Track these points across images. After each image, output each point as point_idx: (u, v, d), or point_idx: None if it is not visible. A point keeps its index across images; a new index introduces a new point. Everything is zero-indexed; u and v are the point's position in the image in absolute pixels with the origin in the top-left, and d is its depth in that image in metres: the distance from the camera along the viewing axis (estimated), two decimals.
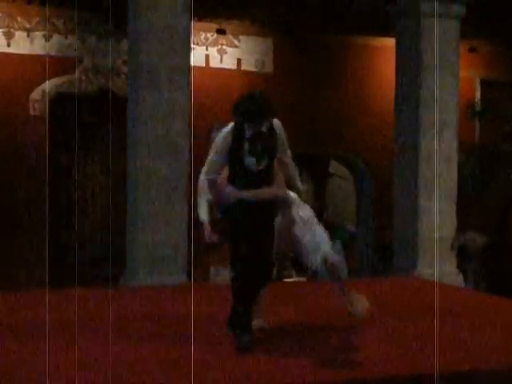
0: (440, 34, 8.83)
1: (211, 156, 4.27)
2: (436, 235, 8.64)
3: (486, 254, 9.71)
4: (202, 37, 10.45)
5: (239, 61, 10.66)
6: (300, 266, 7.51)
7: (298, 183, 4.63)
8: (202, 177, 4.30)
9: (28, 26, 9.56)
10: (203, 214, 4.24)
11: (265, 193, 4.18)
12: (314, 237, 4.40)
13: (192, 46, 8.85)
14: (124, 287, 7.45)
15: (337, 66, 11.16)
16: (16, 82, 9.52)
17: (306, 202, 4.71)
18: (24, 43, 9.55)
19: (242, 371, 3.73)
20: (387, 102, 10.48)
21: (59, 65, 9.74)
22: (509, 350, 4.35)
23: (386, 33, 10.77)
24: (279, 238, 4.37)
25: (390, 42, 10.21)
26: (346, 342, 4.56)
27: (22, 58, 9.55)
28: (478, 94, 11.68)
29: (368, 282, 8.18)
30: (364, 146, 11.14)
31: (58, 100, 9.77)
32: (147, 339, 4.50)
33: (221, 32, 10.28)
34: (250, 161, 4.13)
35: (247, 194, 4.14)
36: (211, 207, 4.27)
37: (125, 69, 9.48)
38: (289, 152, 4.46)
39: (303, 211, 4.49)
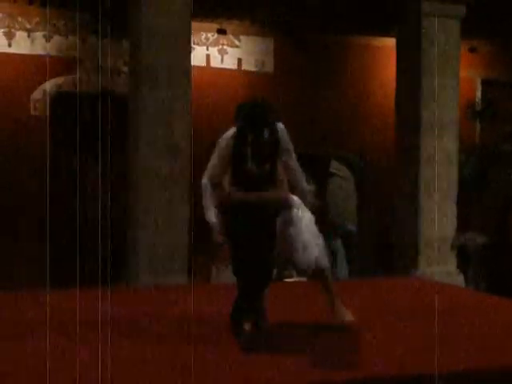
0: (440, 33, 8.84)
1: (213, 160, 4.31)
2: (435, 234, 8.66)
3: (487, 254, 9.70)
4: (203, 37, 10.45)
5: (240, 61, 10.67)
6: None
7: (304, 185, 4.64)
8: (205, 180, 4.33)
9: (29, 26, 9.56)
10: (211, 216, 4.28)
11: (266, 195, 4.20)
12: (308, 238, 4.41)
13: (192, 45, 8.88)
14: (124, 287, 7.45)
15: (337, 66, 11.16)
16: (17, 82, 9.52)
17: (312, 202, 4.73)
18: (25, 43, 9.56)
19: (242, 371, 3.74)
20: (388, 101, 10.49)
21: (60, 65, 9.75)
22: (509, 350, 4.35)
23: (386, 33, 10.77)
24: (279, 238, 4.38)
25: (391, 42, 10.22)
26: (346, 341, 4.57)
27: (22, 58, 9.56)
28: (478, 94, 11.67)
29: (368, 281, 8.18)
30: (364, 146, 11.13)
31: (59, 100, 9.77)
32: (147, 339, 4.50)
33: (221, 32, 10.28)
34: (252, 166, 4.17)
35: (249, 196, 4.17)
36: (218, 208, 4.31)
37: (125, 69, 9.49)
38: (294, 155, 4.48)
39: (302, 212, 4.51)
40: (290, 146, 4.40)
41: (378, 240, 11.02)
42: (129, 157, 7.91)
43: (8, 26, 9.47)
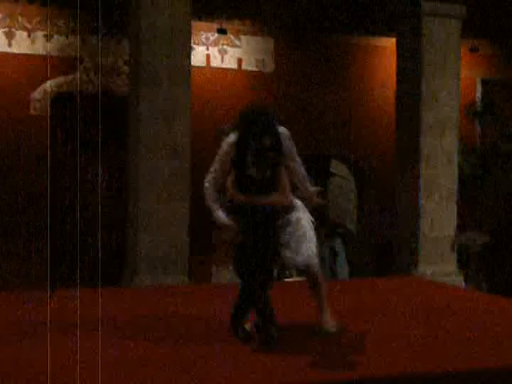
0: (440, 33, 8.84)
1: (215, 164, 4.33)
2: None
3: (487, 254, 9.71)
4: (203, 37, 10.45)
5: (240, 60, 10.66)
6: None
7: (309, 187, 4.66)
8: (207, 183, 4.35)
9: (29, 25, 9.57)
10: (222, 217, 4.29)
11: (267, 200, 4.22)
12: (301, 239, 4.43)
13: (193, 45, 8.88)
14: (124, 287, 7.46)
15: (338, 66, 11.16)
16: (17, 81, 9.53)
17: (317, 203, 4.75)
18: (25, 43, 9.56)
19: (242, 371, 3.74)
20: (388, 101, 10.50)
21: (60, 64, 9.76)
22: (509, 350, 4.35)
23: (386, 33, 10.77)
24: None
25: (391, 42, 10.22)
26: (346, 341, 4.57)
27: (23, 57, 9.56)
28: (478, 94, 11.68)
29: (368, 281, 8.18)
30: (365, 146, 11.14)
31: (59, 100, 9.77)
32: (147, 339, 4.51)
33: (222, 32, 10.28)
34: (254, 171, 4.20)
35: (250, 200, 4.20)
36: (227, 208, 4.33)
37: (125, 68, 9.50)
38: (298, 159, 4.49)
39: (302, 215, 4.52)
40: (293, 150, 4.42)
41: (378, 240, 11.02)
42: (129, 157, 7.92)
43: (8, 26, 9.48)
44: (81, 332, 4.65)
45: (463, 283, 9.03)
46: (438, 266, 8.82)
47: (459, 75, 9.09)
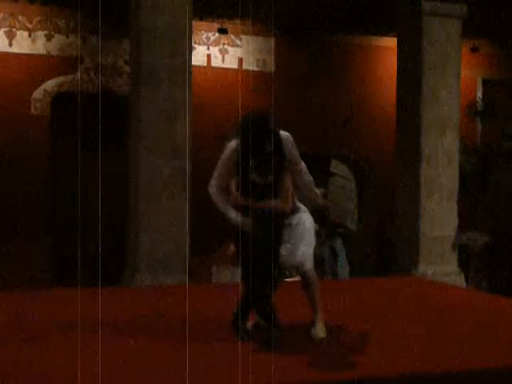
0: (441, 33, 8.84)
1: (219, 170, 4.33)
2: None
3: (487, 254, 9.70)
4: (204, 36, 10.45)
5: (241, 60, 10.66)
6: None
7: (314, 189, 4.67)
8: (212, 190, 4.34)
9: (29, 25, 9.57)
10: (236, 216, 4.28)
11: (268, 205, 4.23)
12: (298, 241, 4.43)
13: (193, 45, 8.87)
14: (124, 287, 7.46)
15: (338, 66, 11.16)
16: (18, 81, 9.53)
17: (322, 205, 4.76)
18: (26, 43, 9.57)
19: (242, 370, 3.74)
20: (389, 101, 10.49)
21: (61, 64, 9.76)
22: (509, 350, 4.35)
23: (387, 32, 10.77)
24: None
25: (392, 42, 10.22)
26: (346, 341, 4.57)
27: (23, 57, 9.57)
28: (479, 94, 11.67)
29: (369, 281, 8.18)
30: (365, 145, 11.14)
31: (60, 99, 9.78)
32: (147, 339, 4.50)
33: (222, 31, 10.27)
34: (256, 176, 4.20)
35: (252, 204, 4.21)
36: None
37: (126, 68, 9.50)
38: (302, 163, 4.49)
39: (305, 218, 4.53)
40: (296, 154, 4.41)
41: (379, 239, 11.02)
42: (129, 156, 7.91)
43: (9, 26, 9.48)
44: (81, 332, 4.65)
45: (464, 283, 9.02)
46: (439, 265, 8.81)
47: (460, 75, 9.08)
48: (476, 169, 10.18)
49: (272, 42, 10.79)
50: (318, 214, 4.77)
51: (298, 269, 4.48)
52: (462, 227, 9.12)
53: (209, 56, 10.49)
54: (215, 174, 4.37)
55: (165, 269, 7.49)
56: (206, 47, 10.47)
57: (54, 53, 9.69)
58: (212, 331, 4.68)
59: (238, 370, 3.75)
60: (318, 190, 4.72)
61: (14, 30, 9.51)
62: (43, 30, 9.61)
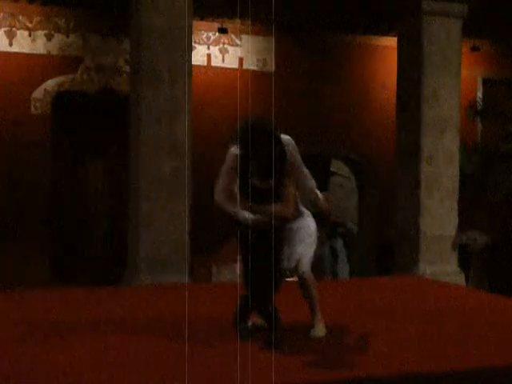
0: (442, 32, 8.83)
1: (223, 178, 4.33)
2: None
3: (488, 254, 9.70)
4: (204, 36, 10.45)
5: (241, 60, 10.66)
6: None
7: (319, 195, 4.67)
8: (219, 197, 4.33)
9: (30, 25, 9.57)
10: (248, 216, 4.28)
11: (269, 210, 4.23)
12: (297, 243, 4.44)
13: (193, 45, 8.87)
14: (124, 286, 7.46)
15: (338, 65, 11.16)
16: (18, 81, 9.53)
17: (327, 209, 4.76)
18: (26, 42, 9.57)
19: (242, 370, 3.74)
20: (389, 100, 10.49)
21: (61, 64, 9.76)
22: (509, 350, 4.35)
23: (387, 32, 10.77)
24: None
25: (392, 42, 10.22)
26: (346, 341, 4.57)
27: (23, 57, 9.57)
28: (479, 93, 11.67)
29: (369, 281, 8.18)
30: (366, 145, 11.14)
31: (60, 99, 9.78)
32: (147, 339, 4.51)
33: (222, 31, 10.27)
34: (256, 181, 4.21)
35: (254, 208, 4.22)
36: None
37: (126, 68, 9.50)
38: (303, 166, 4.48)
39: (308, 222, 4.54)
40: (298, 157, 4.41)
41: (379, 239, 11.02)
42: (129, 156, 7.91)
43: (9, 25, 9.48)
44: (81, 331, 4.65)
45: (464, 283, 9.02)
46: (439, 265, 8.81)
47: (460, 74, 9.08)
48: (476, 168, 10.18)
49: (272, 41, 10.78)
50: (319, 216, 4.77)
51: (295, 271, 4.47)
52: (462, 227, 9.11)
53: (209, 56, 10.49)
54: (219, 182, 4.36)
55: (165, 269, 7.48)
56: (206, 47, 10.47)
57: (54, 52, 9.69)
58: (212, 331, 4.68)
59: (237, 370, 3.75)
60: (321, 194, 4.72)
61: (14, 29, 9.51)
62: (43, 29, 9.61)
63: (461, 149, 9.16)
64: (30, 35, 9.57)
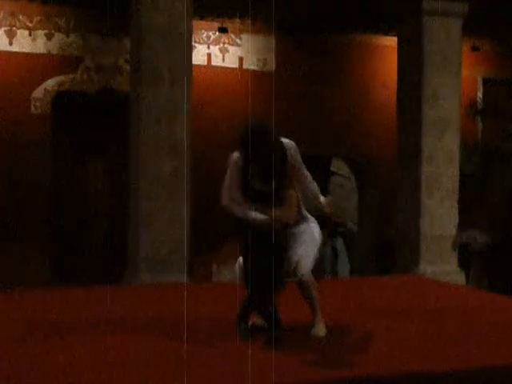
0: (442, 32, 8.83)
1: (227, 183, 4.33)
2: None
3: (488, 253, 9.70)
4: (204, 35, 10.45)
5: (241, 59, 10.66)
6: None
7: (321, 198, 4.66)
8: (226, 201, 4.33)
9: (30, 24, 9.57)
10: (256, 216, 4.28)
11: (270, 214, 4.24)
12: (298, 246, 4.44)
13: (193, 44, 8.87)
14: (125, 286, 7.45)
15: (339, 65, 11.15)
16: (18, 80, 9.53)
17: (329, 212, 4.76)
18: (26, 42, 9.57)
19: (242, 370, 3.73)
20: (389, 100, 10.48)
21: (61, 63, 9.76)
22: (510, 350, 4.34)
23: (388, 31, 10.77)
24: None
25: (392, 41, 10.21)
26: (347, 340, 4.56)
27: (23, 56, 9.57)
28: (479, 93, 11.67)
29: (369, 280, 8.18)
30: (366, 145, 11.14)
31: (60, 99, 9.78)
32: (148, 338, 4.50)
33: (223, 30, 10.27)
34: (258, 185, 4.21)
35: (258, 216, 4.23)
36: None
37: (127, 67, 9.50)
38: (304, 169, 4.48)
39: (311, 227, 4.54)
40: (299, 160, 4.40)
41: (379, 239, 11.02)
42: (130, 155, 7.91)
43: (9, 25, 9.48)
44: (81, 331, 4.65)
45: (464, 282, 9.02)
46: (439, 265, 8.81)
47: (460, 74, 9.07)
48: (477, 167, 10.18)
49: (272, 40, 10.78)
50: (320, 217, 4.77)
51: (294, 274, 4.47)
52: (462, 226, 9.12)
53: (209, 55, 10.49)
54: (224, 187, 4.36)
55: (165, 268, 7.49)
56: (206, 46, 10.47)
57: (55, 52, 9.69)
58: (212, 330, 4.68)
59: (238, 370, 3.75)
60: (323, 198, 4.71)
61: (14, 29, 9.51)
62: (43, 29, 9.61)
63: (461, 148, 9.16)
64: (30, 35, 9.57)
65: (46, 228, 9.60)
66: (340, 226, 9.58)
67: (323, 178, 11.38)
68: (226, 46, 10.56)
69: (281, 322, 4.32)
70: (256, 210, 4.23)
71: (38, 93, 9.64)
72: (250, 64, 10.68)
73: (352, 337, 4.67)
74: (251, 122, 4.25)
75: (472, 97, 11.18)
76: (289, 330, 4.46)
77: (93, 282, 8.49)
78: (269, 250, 4.24)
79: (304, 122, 10.57)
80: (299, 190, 4.47)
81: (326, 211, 4.73)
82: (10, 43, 9.50)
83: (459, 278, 8.91)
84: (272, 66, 10.78)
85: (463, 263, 9.23)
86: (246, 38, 10.64)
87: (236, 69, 10.60)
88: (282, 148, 4.24)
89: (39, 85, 9.65)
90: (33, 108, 9.60)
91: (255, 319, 4.57)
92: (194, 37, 8.85)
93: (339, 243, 9.91)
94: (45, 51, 9.63)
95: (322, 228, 4.70)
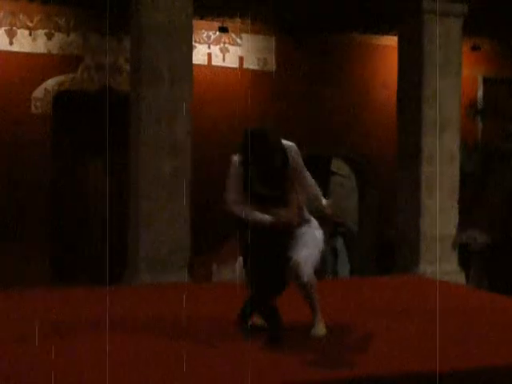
0: (442, 32, 8.83)
1: (229, 186, 4.33)
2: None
3: (488, 253, 9.70)
4: (204, 35, 10.44)
5: (241, 59, 10.65)
6: None
7: (322, 201, 4.67)
8: (229, 204, 4.33)
9: (30, 24, 9.57)
10: (263, 216, 4.28)
11: (273, 216, 4.24)
12: (300, 248, 4.43)
13: (194, 44, 8.87)
14: (125, 286, 7.46)
15: (339, 65, 11.15)
16: (18, 80, 9.53)
17: (331, 215, 4.76)
18: (26, 41, 9.57)
19: (242, 370, 3.74)
20: (389, 100, 10.48)
21: (61, 63, 9.76)
22: (510, 350, 4.34)
23: (388, 31, 10.76)
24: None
25: (393, 41, 10.21)
26: (347, 340, 4.56)
27: (24, 56, 9.57)
28: (480, 92, 11.66)
29: (369, 280, 8.18)
30: (366, 145, 11.13)
31: (60, 98, 9.78)
32: (148, 338, 4.50)
33: (223, 30, 10.27)
34: (260, 188, 4.22)
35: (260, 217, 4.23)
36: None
37: (127, 67, 9.50)
38: (307, 174, 4.48)
39: (313, 230, 4.53)
40: (301, 162, 4.40)
41: (379, 239, 11.02)
42: (129, 155, 7.91)
43: (10, 24, 9.48)
44: (81, 331, 4.65)
45: (464, 281, 9.02)
46: (439, 264, 8.81)
47: (460, 73, 9.07)
48: (477, 167, 10.18)
49: (273, 40, 10.78)
50: (321, 217, 4.78)
51: (294, 276, 4.47)
52: (462, 226, 9.12)
53: (209, 55, 10.49)
54: (227, 190, 4.36)
55: (165, 268, 7.49)
56: (206, 46, 10.47)
57: (55, 51, 9.69)
58: (212, 330, 4.68)
59: (238, 370, 3.75)
60: (325, 201, 4.72)
61: (14, 28, 9.51)
62: (44, 28, 9.61)
63: (461, 148, 9.16)
64: (30, 34, 9.56)
65: (45, 228, 9.60)
66: (340, 225, 9.57)
67: (323, 177, 11.38)
68: (226, 45, 10.56)
69: (281, 322, 4.32)
70: (258, 211, 4.24)
71: (38, 92, 9.64)
72: (251, 64, 10.68)
73: (352, 337, 4.67)
74: (250, 128, 4.27)
75: (472, 96, 11.18)
76: (289, 330, 4.46)
77: (93, 282, 8.50)
78: (270, 251, 4.25)
79: (304, 122, 10.57)
80: (301, 192, 4.47)
81: (327, 212, 4.74)
82: (11, 43, 9.50)
83: (459, 278, 8.91)
84: (272, 65, 10.78)
85: (463, 262, 9.23)
86: (247, 38, 10.64)
87: (236, 69, 10.60)
88: (283, 150, 4.24)
89: (39, 84, 9.65)
90: (33, 108, 9.60)
91: (255, 319, 4.57)
92: (195, 36, 8.84)
93: (339, 243, 9.91)
94: (45, 51, 9.63)
95: (323, 226, 4.71)
